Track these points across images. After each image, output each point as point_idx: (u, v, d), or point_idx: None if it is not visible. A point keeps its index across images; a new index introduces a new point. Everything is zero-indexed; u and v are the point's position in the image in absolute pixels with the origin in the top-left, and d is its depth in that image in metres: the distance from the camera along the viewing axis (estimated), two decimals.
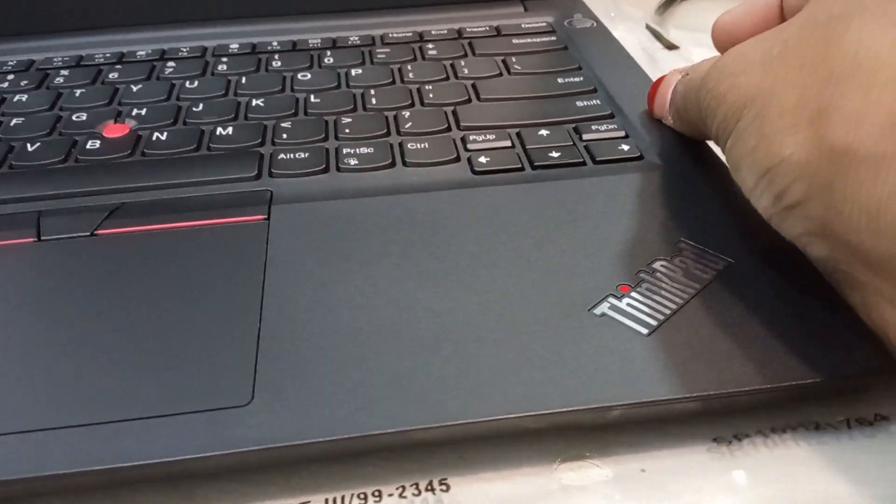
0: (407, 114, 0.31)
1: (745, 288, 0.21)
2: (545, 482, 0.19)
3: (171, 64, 0.36)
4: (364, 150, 0.29)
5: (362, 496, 0.18)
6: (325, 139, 0.30)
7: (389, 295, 0.21)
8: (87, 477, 0.17)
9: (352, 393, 0.19)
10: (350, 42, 0.38)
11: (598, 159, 0.28)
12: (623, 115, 0.30)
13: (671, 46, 0.43)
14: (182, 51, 0.37)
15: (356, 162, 0.28)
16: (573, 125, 0.30)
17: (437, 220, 0.24)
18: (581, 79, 0.33)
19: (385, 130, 0.30)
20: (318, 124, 0.31)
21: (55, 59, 0.37)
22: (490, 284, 0.22)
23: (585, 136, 0.29)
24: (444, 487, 0.18)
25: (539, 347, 0.20)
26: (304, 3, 0.40)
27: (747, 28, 0.25)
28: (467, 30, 0.39)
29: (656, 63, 0.40)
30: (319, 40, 0.38)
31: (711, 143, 0.27)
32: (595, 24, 0.40)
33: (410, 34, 0.39)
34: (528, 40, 0.38)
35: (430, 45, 0.37)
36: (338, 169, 0.28)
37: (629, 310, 0.21)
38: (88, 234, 0.24)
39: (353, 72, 0.35)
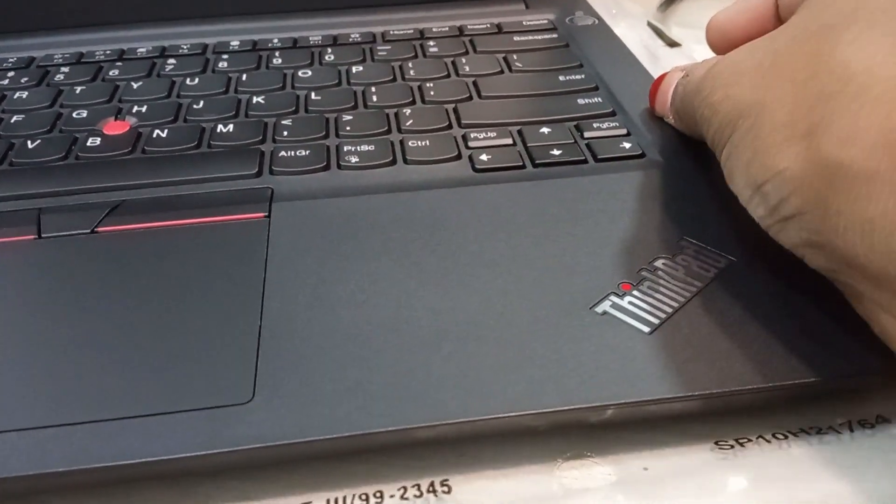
0: (408, 111, 0.31)
1: (747, 286, 0.21)
2: (547, 481, 0.19)
3: (171, 61, 0.36)
4: (365, 147, 0.29)
5: (364, 496, 0.18)
6: (326, 137, 0.30)
7: (390, 293, 0.21)
8: (88, 475, 0.17)
9: (352, 391, 0.18)
10: (351, 39, 0.38)
11: (599, 157, 0.27)
12: (624, 112, 0.30)
13: (673, 44, 0.42)
14: (182, 48, 0.37)
15: (357, 159, 0.28)
16: (574, 123, 0.30)
17: (437, 218, 0.24)
18: (582, 76, 0.33)
19: (386, 128, 0.30)
20: (319, 122, 0.30)
21: (56, 56, 0.37)
22: (491, 282, 0.22)
23: (587, 134, 0.29)
24: (445, 489, 0.18)
25: (540, 346, 0.19)
26: (305, 1, 0.40)
27: (742, 27, 0.25)
28: (468, 27, 0.39)
29: (658, 61, 0.40)
30: (320, 37, 0.38)
31: None
32: (596, 21, 0.40)
33: (411, 31, 0.39)
34: (530, 38, 0.38)
35: (431, 43, 0.37)
36: (338, 166, 0.28)
37: (631, 308, 0.21)
38: (89, 231, 0.24)
39: (354, 69, 0.35)
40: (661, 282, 0.22)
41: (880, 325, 0.18)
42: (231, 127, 0.30)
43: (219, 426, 0.18)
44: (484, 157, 0.28)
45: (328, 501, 0.18)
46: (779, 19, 0.24)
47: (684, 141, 0.28)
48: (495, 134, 0.29)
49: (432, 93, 0.32)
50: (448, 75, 0.34)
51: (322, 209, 0.25)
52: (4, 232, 0.24)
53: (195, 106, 0.32)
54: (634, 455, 0.19)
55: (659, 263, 0.22)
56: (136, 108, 0.32)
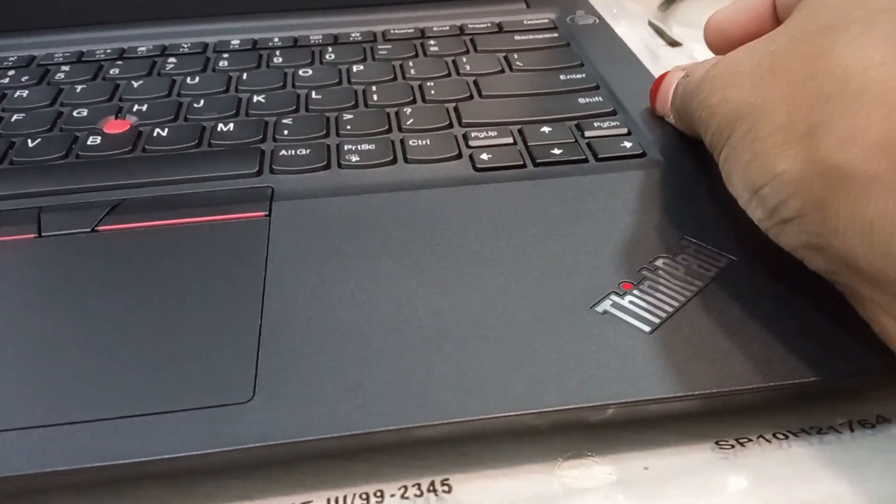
0: (408, 110, 0.31)
1: (747, 286, 0.21)
2: (547, 480, 0.19)
3: (171, 60, 0.36)
4: (365, 146, 0.28)
5: (364, 496, 0.18)
6: (327, 136, 0.30)
7: (390, 292, 0.21)
8: (88, 474, 0.17)
9: (353, 390, 0.18)
10: (351, 38, 0.38)
11: (600, 156, 0.27)
12: (625, 112, 0.30)
13: (674, 43, 0.42)
14: (183, 47, 0.37)
15: (357, 158, 0.28)
16: (575, 122, 0.30)
17: (438, 218, 0.24)
18: (583, 76, 0.33)
19: (386, 127, 0.30)
20: (320, 121, 0.30)
21: (56, 55, 0.37)
22: (491, 282, 0.22)
23: (587, 133, 0.29)
24: (445, 488, 0.18)
25: (541, 345, 0.19)
26: (306, 0, 0.40)
27: (740, 26, 0.25)
28: (469, 26, 0.39)
29: (659, 60, 0.40)
30: (321, 36, 0.38)
31: None
32: (597, 20, 0.40)
33: (412, 30, 0.39)
34: (530, 37, 0.38)
35: (432, 42, 0.37)
36: (339, 165, 0.28)
37: (631, 307, 0.21)
38: (89, 230, 0.24)
39: (355, 68, 0.35)
40: (662, 281, 0.22)
41: (881, 326, 0.18)
42: (231, 126, 0.30)
43: (219, 425, 0.18)
44: (484, 156, 0.28)
45: (328, 501, 0.18)
46: (777, 18, 0.24)
47: (685, 140, 0.28)
48: (496, 133, 0.29)
49: (433, 92, 0.32)
50: (449, 74, 0.34)
51: (322, 208, 0.25)
52: (5, 231, 0.24)
53: (195, 105, 0.32)
54: (635, 454, 0.19)
55: (659, 263, 0.22)
56: (136, 107, 0.32)
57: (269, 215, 0.25)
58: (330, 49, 0.37)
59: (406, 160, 0.28)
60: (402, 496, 0.18)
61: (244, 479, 0.19)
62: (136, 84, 0.34)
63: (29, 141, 0.30)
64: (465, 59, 0.35)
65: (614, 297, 0.21)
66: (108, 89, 0.34)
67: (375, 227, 0.24)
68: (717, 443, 0.19)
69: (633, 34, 0.43)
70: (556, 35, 0.38)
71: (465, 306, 0.21)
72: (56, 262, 0.23)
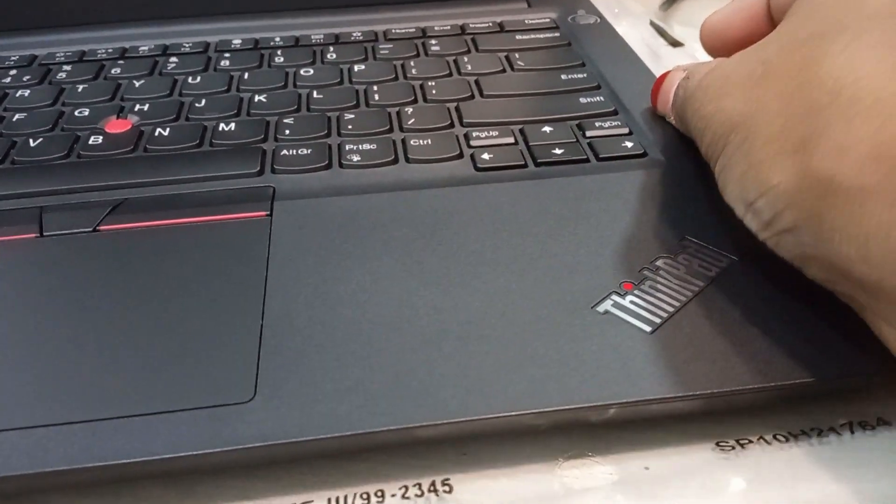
0: (410, 110, 0.31)
1: (748, 286, 0.21)
2: (548, 480, 0.19)
3: (173, 59, 0.36)
4: (366, 146, 0.29)
5: (364, 496, 0.18)
6: (328, 135, 0.30)
7: (391, 292, 0.21)
8: (89, 473, 0.17)
9: (354, 390, 0.18)
10: (353, 38, 0.38)
11: (601, 156, 0.27)
12: (627, 111, 0.30)
13: (675, 43, 0.42)
14: (184, 46, 0.37)
15: (359, 158, 0.28)
16: (576, 122, 0.30)
17: (439, 217, 0.24)
18: (584, 75, 0.33)
19: (388, 127, 0.30)
20: (321, 120, 0.30)
21: (57, 55, 0.37)
22: (492, 281, 0.22)
23: (589, 133, 0.29)
24: (446, 488, 0.18)
25: (542, 345, 0.19)
26: None
27: (735, 28, 0.25)
28: (470, 26, 0.39)
29: (660, 60, 0.40)
30: (322, 36, 0.38)
31: None
32: (599, 20, 0.40)
33: (413, 30, 0.39)
34: (532, 36, 0.38)
35: (433, 41, 0.37)
36: (340, 165, 0.28)
37: (632, 307, 0.21)
38: (90, 229, 0.24)
39: (356, 68, 0.35)
40: (663, 281, 0.22)
41: (880, 332, 0.18)
42: (233, 125, 0.30)
43: (220, 425, 0.18)
44: (486, 155, 0.28)
45: (329, 500, 0.18)
46: (772, 20, 0.24)
47: (686, 140, 0.28)
48: (497, 133, 0.29)
49: (434, 91, 0.32)
50: (450, 74, 0.34)
51: (324, 208, 0.25)
52: (6, 230, 0.24)
53: (197, 104, 0.32)
54: (636, 454, 0.19)
55: (660, 263, 0.22)
56: (137, 107, 0.32)
57: (271, 215, 0.25)
58: (331, 49, 0.37)
59: (407, 160, 0.28)
60: (403, 496, 0.18)
61: (245, 479, 0.19)
62: (137, 84, 0.34)
63: (30, 140, 0.30)
64: (466, 59, 0.35)
65: (615, 297, 0.21)
66: (110, 89, 0.34)
67: (376, 226, 0.24)
68: (717, 443, 0.19)
69: (635, 34, 0.43)
70: (557, 35, 0.38)
71: (466, 306, 0.21)
72: (57, 261, 0.23)
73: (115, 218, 0.25)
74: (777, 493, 0.18)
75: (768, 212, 0.19)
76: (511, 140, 0.29)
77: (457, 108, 0.31)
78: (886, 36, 0.17)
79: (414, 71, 0.34)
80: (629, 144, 0.28)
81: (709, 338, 0.20)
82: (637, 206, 0.25)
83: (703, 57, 0.27)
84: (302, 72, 0.35)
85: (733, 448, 0.19)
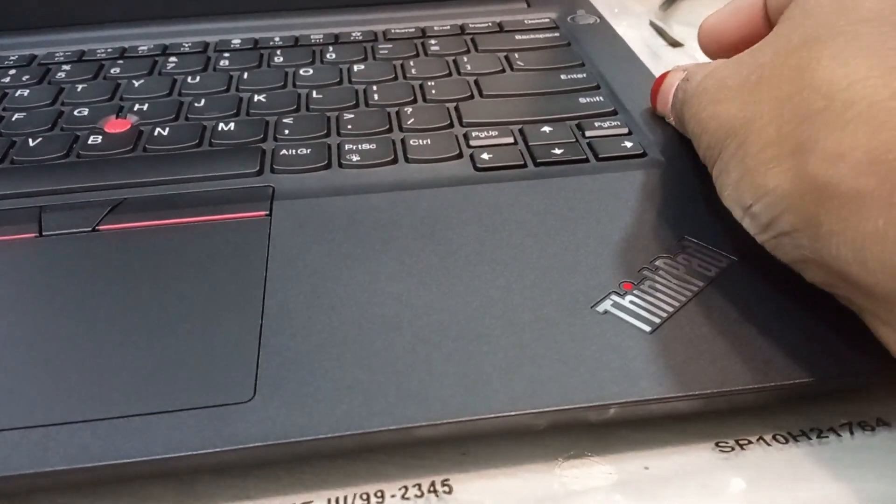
0: (409, 110, 0.31)
1: (748, 286, 0.21)
2: (548, 480, 0.19)
3: (172, 59, 0.36)
4: (366, 146, 0.28)
5: (365, 496, 0.18)
6: (327, 135, 0.30)
7: (391, 291, 0.21)
8: (89, 473, 0.17)
9: (353, 390, 0.18)
10: (352, 38, 0.38)
11: (600, 156, 0.27)
12: (626, 111, 0.30)
13: (675, 43, 0.42)
14: (184, 46, 0.37)
15: (358, 158, 0.28)
16: (576, 122, 0.30)
17: (438, 217, 0.24)
18: (584, 75, 0.33)
19: (387, 126, 0.30)
20: (320, 120, 0.30)
21: (57, 54, 0.37)
22: (492, 281, 0.22)
23: (588, 133, 0.29)
24: (446, 488, 0.18)
25: (541, 345, 0.19)
26: None
27: (732, 30, 0.25)
28: (470, 26, 0.39)
29: (660, 60, 0.40)
30: (321, 36, 0.38)
31: None
32: (598, 20, 0.40)
33: (413, 30, 0.39)
34: (531, 36, 0.38)
35: (433, 41, 0.37)
36: (340, 165, 0.28)
37: (632, 307, 0.21)
38: (90, 229, 0.24)
39: (356, 67, 0.35)
40: (663, 281, 0.22)
41: (880, 335, 0.18)
42: (232, 125, 0.30)
43: (220, 425, 0.18)
44: (485, 155, 0.28)
45: (329, 500, 0.18)
46: (769, 21, 0.24)
47: (686, 140, 0.28)
48: (496, 133, 0.29)
49: (433, 91, 0.32)
50: (449, 74, 0.34)
51: (323, 208, 0.25)
52: (5, 230, 0.24)
53: (196, 104, 0.32)
54: (635, 454, 0.19)
55: (660, 263, 0.22)
56: (137, 107, 0.32)
57: (270, 215, 0.25)
58: (331, 48, 0.37)
59: (407, 160, 0.28)
60: (403, 496, 0.18)
61: (245, 479, 0.19)
62: (136, 83, 0.34)
63: (30, 140, 0.30)
64: (465, 59, 0.35)
65: (615, 297, 0.21)
66: (109, 88, 0.34)
67: (376, 226, 0.24)
68: (717, 443, 0.19)
69: (635, 34, 0.43)
70: (556, 35, 0.38)
71: (466, 306, 0.21)
72: (57, 261, 0.23)
73: (114, 218, 0.25)
74: (777, 494, 0.18)
75: (765, 216, 0.19)
76: (510, 140, 0.29)
77: (456, 108, 0.31)
78: (880, 40, 0.17)
79: (413, 71, 0.34)
80: (629, 144, 0.28)
81: (708, 338, 0.20)
82: (636, 206, 0.25)
83: (703, 57, 0.27)
84: (301, 72, 0.35)
85: (733, 448, 0.19)
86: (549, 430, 0.19)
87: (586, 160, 0.27)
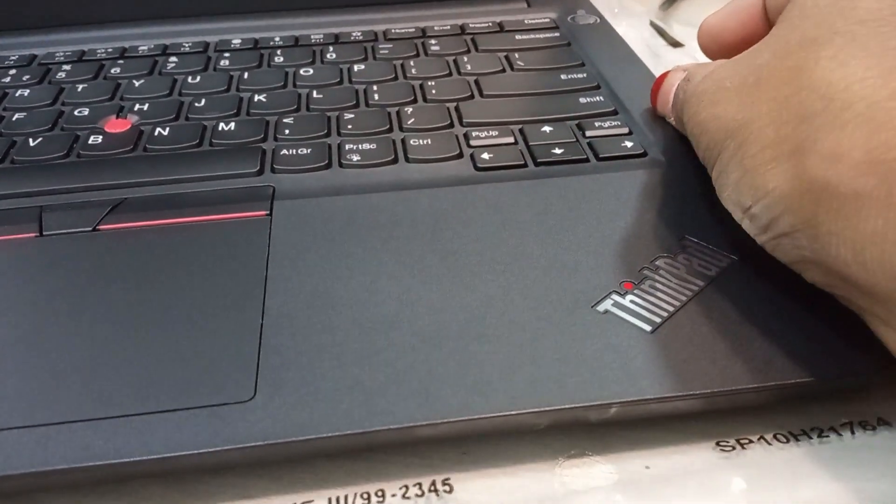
0: (409, 110, 0.31)
1: (749, 286, 0.21)
2: (548, 479, 0.19)
3: (173, 59, 0.36)
4: (366, 146, 0.29)
5: (365, 496, 0.18)
6: (328, 135, 0.30)
7: (391, 291, 0.21)
8: (90, 472, 0.17)
9: (354, 389, 0.18)
10: (352, 38, 0.38)
11: (601, 156, 0.27)
12: (626, 111, 0.30)
13: (675, 44, 0.42)
14: (184, 46, 0.37)
15: (358, 158, 0.28)
16: (576, 122, 0.30)
17: (439, 217, 0.24)
18: (584, 75, 0.33)
19: (387, 126, 0.30)
20: (321, 120, 0.30)
21: (57, 54, 0.37)
22: (492, 281, 0.22)
23: (588, 133, 0.29)
24: (447, 488, 0.18)
25: (542, 344, 0.19)
26: None
27: (732, 31, 0.25)
28: (470, 25, 0.39)
29: (660, 60, 0.40)
30: (322, 36, 0.38)
31: None
32: (598, 20, 0.40)
33: (413, 30, 0.39)
34: (532, 36, 0.38)
35: (433, 41, 0.37)
36: (340, 165, 0.28)
37: (632, 307, 0.21)
38: (90, 229, 0.24)
39: (356, 67, 0.35)
40: (663, 281, 0.22)
41: (881, 335, 0.18)
42: (232, 125, 0.30)
43: (220, 424, 0.18)
44: (485, 155, 0.28)
45: (329, 500, 0.18)
46: (768, 21, 0.24)
47: (686, 140, 0.28)
48: (497, 133, 0.29)
49: (434, 91, 0.32)
50: (450, 74, 0.34)
51: (323, 207, 0.25)
52: (6, 230, 0.24)
53: (197, 104, 0.32)
54: (636, 454, 0.19)
55: (661, 262, 0.22)
56: (137, 106, 0.32)
57: (270, 214, 0.25)
58: (331, 48, 0.37)
59: (407, 160, 0.28)
60: (404, 496, 0.18)
61: (245, 478, 0.19)
62: (137, 83, 0.34)
63: (30, 140, 0.30)
64: (465, 59, 0.35)
65: (615, 297, 0.21)
66: (110, 88, 0.34)
67: (376, 226, 0.24)
68: (717, 443, 0.19)
69: (635, 34, 0.43)
70: (557, 35, 0.38)
71: (466, 305, 0.21)
72: (57, 261, 0.23)
73: (114, 217, 0.25)
74: (777, 493, 0.18)
75: (765, 217, 0.19)
76: (511, 140, 0.29)
77: (456, 108, 0.31)
78: (877, 41, 0.17)
79: (414, 71, 0.34)
80: (629, 144, 0.28)
81: (709, 337, 0.20)
82: (637, 206, 0.25)
83: (704, 57, 0.27)
84: (302, 71, 0.35)
85: (734, 448, 0.19)
86: (550, 430, 0.19)
87: (586, 160, 0.27)
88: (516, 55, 0.35)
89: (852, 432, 0.19)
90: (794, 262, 0.19)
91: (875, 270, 0.16)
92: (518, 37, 0.37)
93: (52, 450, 0.17)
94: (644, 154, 0.28)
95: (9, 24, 0.39)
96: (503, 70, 0.34)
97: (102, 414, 0.18)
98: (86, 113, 0.32)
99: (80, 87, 0.34)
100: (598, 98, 0.31)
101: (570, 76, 0.33)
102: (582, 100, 0.31)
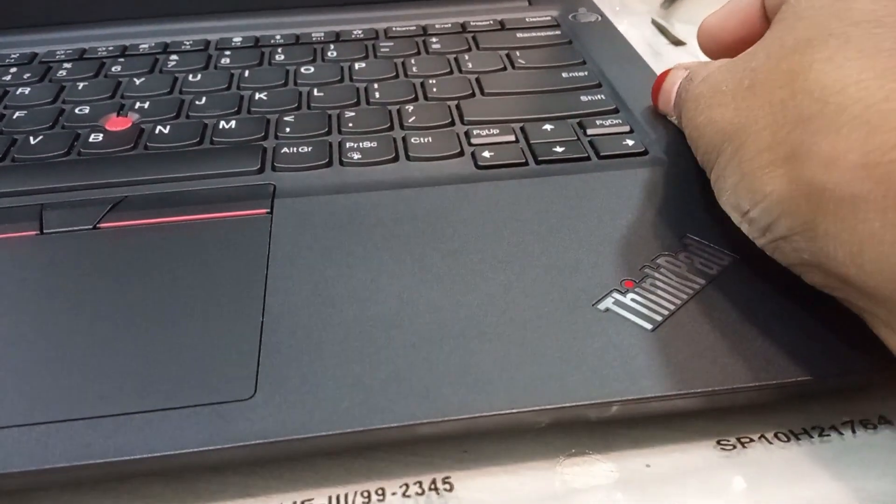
0: (410, 108, 0.31)
1: (750, 284, 0.21)
2: (549, 478, 0.19)
3: (173, 57, 0.36)
4: (367, 144, 0.28)
5: (366, 494, 0.18)
6: (329, 133, 0.30)
7: (392, 289, 0.21)
8: (90, 470, 0.17)
9: (355, 387, 0.18)
10: (353, 36, 0.38)
11: (602, 154, 0.27)
12: (628, 110, 0.30)
13: (677, 42, 0.42)
14: (185, 44, 0.37)
15: (359, 156, 0.28)
16: (577, 120, 0.30)
17: (440, 215, 0.24)
18: (585, 73, 0.33)
19: (388, 124, 0.30)
20: (322, 118, 0.30)
21: (58, 52, 0.37)
22: (493, 279, 0.22)
23: (590, 131, 0.29)
24: (447, 486, 0.18)
25: (543, 342, 0.19)
26: None
27: (731, 31, 0.25)
28: (471, 23, 0.39)
29: (661, 58, 0.40)
30: (323, 34, 0.38)
31: None
32: (600, 18, 0.40)
33: (414, 28, 0.39)
34: (533, 34, 0.38)
35: (434, 39, 0.37)
36: (341, 163, 0.28)
37: (633, 305, 0.21)
38: (91, 227, 0.24)
39: (357, 65, 0.35)
40: (664, 279, 0.22)
41: (882, 336, 0.18)
42: (233, 123, 0.30)
43: (221, 422, 0.18)
44: (486, 153, 0.28)
45: (330, 498, 0.18)
46: (767, 21, 0.24)
47: None
48: (498, 131, 0.29)
49: (435, 89, 0.32)
50: (451, 72, 0.34)
51: (324, 206, 0.25)
52: (6, 228, 0.24)
53: (197, 102, 0.32)
54: (636, 452, 0.19)
55: (662, 261, 0.22)
56: (138, 105, 0.32)
57: (271, 212, 0.25)
58: (332, 46, 0.37)
59: (408, 158, 0.28)
60: (404, 494, 0.18)
61: (246, 476, 0.19)
62: (137, 81, 0.34)
63: (31, 138, 0.30)
64: (467, 57, 0.35)
65: (616, 295, 0.21)
66: (110, 87, 0.34)
67: (377, 224, 0.24)
68: (718, 441, 0.19)
69: (636, 32, 0.43)
70: (558, 33, 0.38)
71: (467, 303, 0.21)
72: (58, 259, 0.23)
73: (115, 215, 0.25)
74: (778, 492, 0.18)
75: (763, 220, 0.19)
76: (512, 138, 0.29)
77: (457, 106, 0.31)
78: (872, 43, 0.17)
79: (415, 69, 0.34)
80: (630, 142, 0.28)
81: (710, 336, 0.20)
82: (638, 204, 0.25)
83: (705, 56, 0.27)
84: (302, 70, 0.35)
85: (734, 446, 0.19)
86: (551, 428, 0.19)
87: (588, 158, 0.27)
88: (517, 53, 0.35)
89: (853, 431, 0.19)
90: (794, 265, 0.19)
91: (873, 272, 0.16)
92: (519, 35, 0.37)
93: (53, 448, 0.17)
94: (645, 152, 0.27)
95: (10, 22, 0.39)
96: (504, 68, 0.34)
97: (103, 412, 0.18)
98: (86, 111, 0.32)
99: (81, 85, 0.34)
100: (599, 96, 0.31)
101: (571, 74, 0.33)
102: (583, 98, 0.31)
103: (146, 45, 0.37)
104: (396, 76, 0.34)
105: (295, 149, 0.28)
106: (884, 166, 0.16)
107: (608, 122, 0.29)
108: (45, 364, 0.19)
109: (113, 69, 0.35)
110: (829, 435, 0.19)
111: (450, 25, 0.39)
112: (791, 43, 0.19)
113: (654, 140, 0.28)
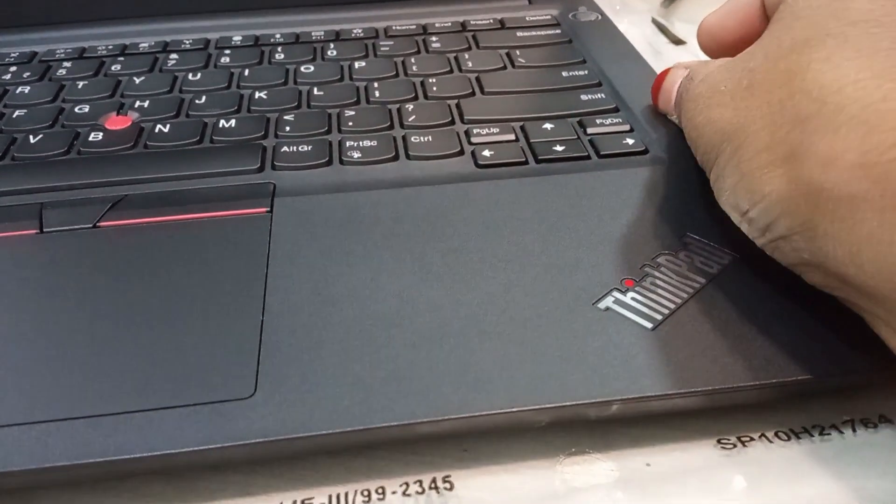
0: (410, 107, 0.31)
1: (750, 283, 0.21)
2: (549, 477, 0.19)
3: (173, 56, 0.36)
4: (367, 143, 0.28)
5: (366, 493, 0.18)
6: (329, 132, 0.30)
7: (392, 288, 0.21)
8: (90, 469, 0.17)
9: (355, 386, 0.18)
10: (353, 34, 0.38)
11: (602, 153, 0.27)
12: (628, 108, 0.30)
13: (677, 41, 0.42)
14: (185, 43, 0.37)
15: (359, 155, 0.28)
16: (577, 119, 0.30)
17: (440, 214, 0.24)
18: (586, 72, 0.33)
19: (388, 123, 0.30)
20: (322, 117, 0.30)
21: (58, 51, 0.37)
22: (493, 278, 0.22)
23: (590, 130, 0.29)
24: (447, 485, 0.18)
25: (543, 341, 0.19)
26: None
27: (730, 30, 0.25)
28: (471, 22, 0.39)
29: (662, 57, 0.40)
30: (322, 33, 0.38)
31: None
32: (600, 17, 0.40)
33: (414, 27, 0.39)
34: (533, 33, 0.38)
35: (434, 38, 0.37)
36: (341, 162, 0.28)
37: (633, 304, 0.21)
38: (90, 226, 0.24)
39: (357, 64, 0.35)
40: (664, 278, 0.22)
41: (882, 335, 0.18)
42: (233, 122, 0.30)
43: (221, 421, 0.18)
44: (486, 152, 0.28)
45: (330, 497, 0.18)
46: (766, 20, 0.24)
47: None
48: (498, 130, 0.29)
49: (435, 88, 0.32)
50: (451, 71, 0.34)
51: (324, 204, 0.25)
52: (6, 226, 0.24)
53: (197, 101, 0.32)
54: (637, 451, 0.19)
55: (662, 259, 0.22)
56: (138, 103, 0.32)
57: (271, 211, 0.25)
58: (332, 45, 0.37)
59: (408, 157, 0.28)
60: (404, 493, 0.18)
61: (246, 475, 0.19)
62: (137, 80, 0.34)
63: (31, 137, 0.30)
64: (467, 56, 0.35)
65: (616, 294, 0.21)
66: (110, 85, 0.34)
67: (377, 223, 0.24)
68: (718, 440, 0.19)
69: (636, 31, 0.43)
70: (558, 32, 0.38)
71: (467, 302, 0.21)
72: (58, 257, 0.23)
73: (115, 214, 0.25)
74: (779, 491, 0.18)
75: (762, 220, 0.19)
76: (512, 137, 0.29)
77: (457, 105, 0.31)
78: (870, 42, 0.17)
79: (415, 68, 0.34)
80: (630, 141, 0.28)
81: (710, 335, 0.20)
82: (638, 203, 0.25)
83: (705, 55, 0.27)
84: (302, 68, 0.34)
85: (735, 445, 0.19)
86: (551, 427, 0.19)
87: (588, 157, 0.27)
88: (517, 52, 0.35)
89: (854, 430, 0.19)
90: (794, 265, 0.19)
91: (872, 272, 0.16)
92: (519, 34, 0.37)
93: (53, 446, 0.17)
94: (645, 151, 0.27)
95: (9, 21, 0.39)
96: (504, 67, 0.34)
97: (103, 410, 0.18)
98: (86, 110, 0.32)
99: (81, 84, 0.34)
100: (599, 95, 0.31)
101: (571, 73, 0.33)
102: (583, 97, 0.31)
103: (146, 44, 0.37)
104: (396, 75, 0.34)
105: (295, 148, 0.28)
106: (881, 166, 0.16)
107: (608, 121, 0.29)
108: (45, 363, 0.19)
109: (113, 68, 0.35)
110: (829, 434, 0.19)
111: (450, 24, 0.39)
112: (789, 43, 0.19)
113: (654, 139, 0.28)
